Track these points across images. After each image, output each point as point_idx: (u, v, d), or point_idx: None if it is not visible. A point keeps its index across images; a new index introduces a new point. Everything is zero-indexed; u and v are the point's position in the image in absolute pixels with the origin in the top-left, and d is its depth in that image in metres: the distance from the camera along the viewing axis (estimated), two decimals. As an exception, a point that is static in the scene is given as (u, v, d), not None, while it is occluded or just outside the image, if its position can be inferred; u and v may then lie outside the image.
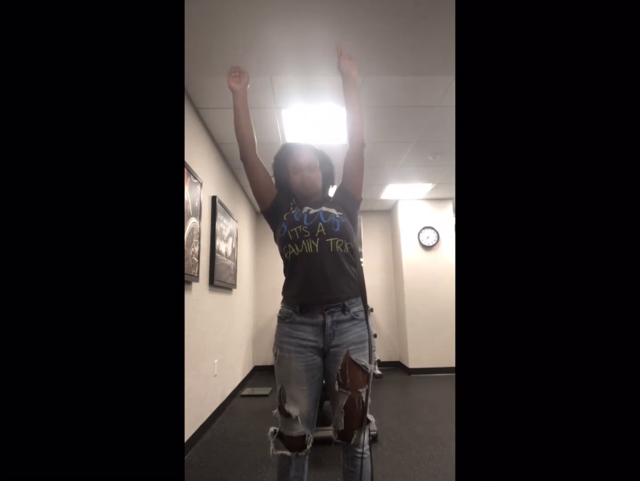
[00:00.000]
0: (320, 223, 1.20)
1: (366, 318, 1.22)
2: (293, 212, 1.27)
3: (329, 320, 1.17)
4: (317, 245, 1.18)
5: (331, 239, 1.19)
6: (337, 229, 1.20)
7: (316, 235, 1.19)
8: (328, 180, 1.36)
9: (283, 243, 1.23)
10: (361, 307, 1.22)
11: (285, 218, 1.27)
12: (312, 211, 1.25)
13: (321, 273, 1.17)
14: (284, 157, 1.31)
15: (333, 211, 1.25)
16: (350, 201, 1.30)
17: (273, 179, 1.34)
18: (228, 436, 2.57)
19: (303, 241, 1.19)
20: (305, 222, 1.21)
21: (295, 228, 1.21)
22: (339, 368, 1.17)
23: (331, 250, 1.19)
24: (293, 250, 1.20)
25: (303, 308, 1.19)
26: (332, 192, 1.39)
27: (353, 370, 1.16)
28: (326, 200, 1.32)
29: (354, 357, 1.17)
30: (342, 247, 1.21)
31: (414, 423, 2.76)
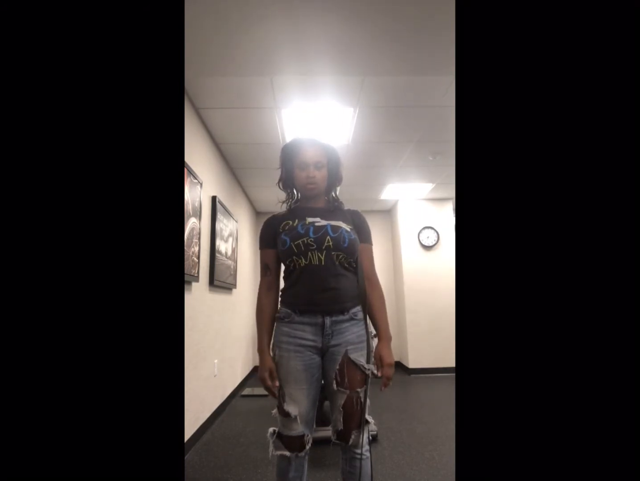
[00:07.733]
0: (329, 237, 1.19)
1: (365, 319, 1.22)
2: (294, 223, 1.24)
3: (327, 320, 1.18)
4: (323, 258, 1.18)
5: (337, 253, 1.19)
6: (346, 245, 1.19)
7: (323, 247, 1.18)
8: (334, 180, 1.32)
9: (287, 256, 1.21)
10: (359, 307, 1.22)
11: (283, 229, 1.24)
12: (319, 223, 1.22)
13: (327, 287, 1.17)
14: (292, 150, 1.28)
15: (342, 225, 1.23)
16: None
17: (279, 177, 1.32)
18: (228, 436, 2.57)
19: (309, 253, 1.18)
20: (311, 235, 1.19)
21: (300, 241, 1.19)
22: (337, 367, 1.17)
23: (336, 263, 1.19)
24: (299, 262, 1.19)
25: (303, 311, 1.19)
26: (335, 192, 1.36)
27: (351, 369, 1.17)
28: (333, 208, 1.29)
29: (352, 356, 1.17)
30: (348, 261, 1.21)
31: (414, 423, 2.76)
